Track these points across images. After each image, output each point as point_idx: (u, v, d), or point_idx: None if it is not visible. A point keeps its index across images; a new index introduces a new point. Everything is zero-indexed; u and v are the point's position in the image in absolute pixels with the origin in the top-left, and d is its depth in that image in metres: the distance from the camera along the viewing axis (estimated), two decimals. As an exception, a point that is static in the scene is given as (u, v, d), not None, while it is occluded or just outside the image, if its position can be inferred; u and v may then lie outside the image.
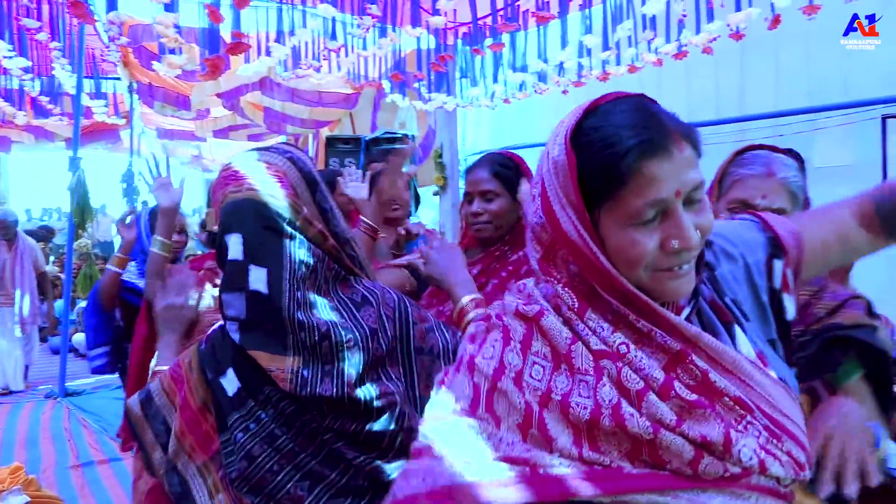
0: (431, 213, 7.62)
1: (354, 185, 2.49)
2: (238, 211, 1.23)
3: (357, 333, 1.24)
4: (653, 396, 0.79)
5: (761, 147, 1.54)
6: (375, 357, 1.25)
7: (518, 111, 6.98)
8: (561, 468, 0.80)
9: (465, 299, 1.50)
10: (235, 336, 1.22)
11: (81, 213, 6.04)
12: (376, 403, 1.22)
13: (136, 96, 7.27)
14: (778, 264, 0.98)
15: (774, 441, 0.81)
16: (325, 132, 7.53)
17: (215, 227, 1.52)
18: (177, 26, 3.26)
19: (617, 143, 0.80)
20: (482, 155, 2.02)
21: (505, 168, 1.84)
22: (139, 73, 6.68)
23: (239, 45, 3.39)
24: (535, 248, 0.91)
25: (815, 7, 3.77)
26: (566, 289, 0.87)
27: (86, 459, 4.60)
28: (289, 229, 1.22)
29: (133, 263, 3.10)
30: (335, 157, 6.03)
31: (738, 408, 0.81)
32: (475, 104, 5.96)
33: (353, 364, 1.22)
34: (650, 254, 0.82)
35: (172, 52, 3.89)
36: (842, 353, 1.32)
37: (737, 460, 0.79)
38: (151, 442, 1.29)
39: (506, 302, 0.95)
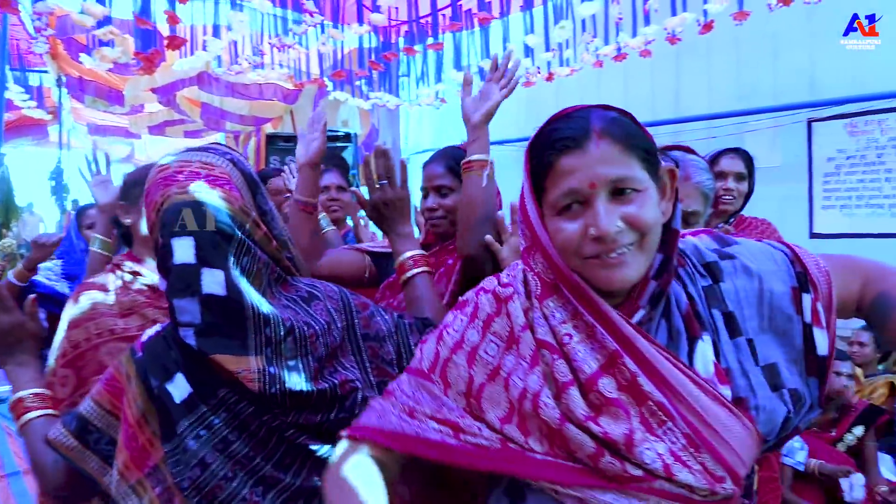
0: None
1: (292, 180, 2.47)
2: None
3: (316, 327, 1.25)
4: (574, 391, 0.89)
5: (676, 148, 1.57)
6: (332, 348, 1.26)
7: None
8: (480, 439, 0.93)
9: (406, 255, 1.54)
10: (192, 342, 1.17)
11: (6, 211, 5.77)
12: (340, 392, 1.22)
13: (64, 90, 6.97)
14: (807, 298, 0.96)
15: (691, 450, 0.86)
16: (266, 128, 7.39)
17: (128, 220, 1.46)
18: (108, 18, 3.14)
19: (544, 142, 0.93)
20: (439, 149, 2.00)
21: (460, 162, 1.84)
22: (68, 66, 6.41)
23: (176, 39, 3.29)
24: (522, 240, 1.02)
25: (745, 13, 3.91)
26: (536, 277, 0.98)
27: (11, 470, 4.38)
28: (238, 233, 1.20)
29: (57, 262, 2.98)
30: (275, 154, 5.91)
31: (660, 413, 0.87)
32: (414, 102, 5.94)
33: (315, 358, 1.23)
34: (574, 240, 0.91)
35: (105, 44, 3.74)
36: None
37: (639, 462, 0.85)
38: (98, 468, 1.24)
39: (496, 277, 1.08)
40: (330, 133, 5.84)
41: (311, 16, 3.66)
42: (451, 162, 1.85)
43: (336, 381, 1.23)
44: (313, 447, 1.21)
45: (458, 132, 1.74)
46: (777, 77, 5.05)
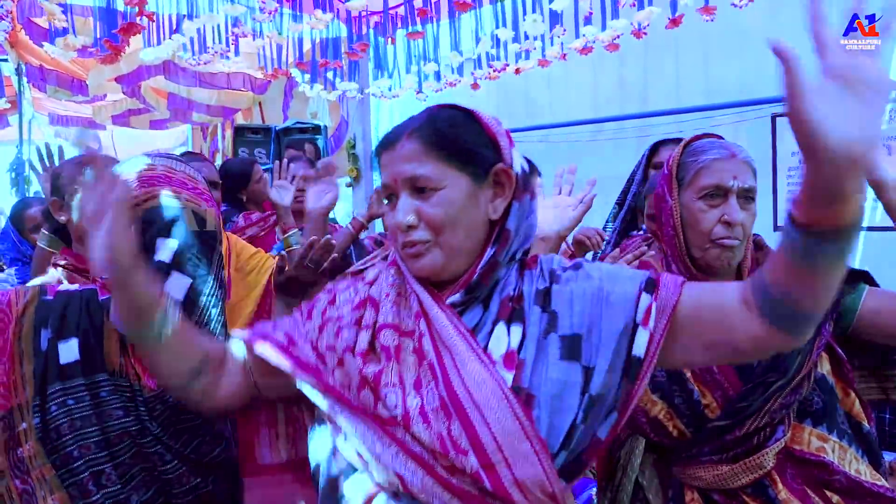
0: (344, 205, 7.53)
1: (280, 189, 2.47)
2: (180, 218, 1.26)
3: None
4: (364, 333, 1.02)
5: (707, 136, 1.54)
6: None
7: (432, 103, 6.94)
8: (304, 352, 1.06)
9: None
10: (123, 328, 1.19)
11: (-37, 203, 5.59)
12: (209, 446, 1.30)
13: (24, 79, 6.77)
14: (646, 298, 0.96)
15: (442, 413, 0.92)
16: (237, 119, 7.28)
17: (62, 218, 1.46)
18: (65, 5, 3.06)
19: None
20: None
21: None
22: (28, 54, 6.23)
23: (134, 26, 3.22)
24: None
25: (711, 9, 3.96)
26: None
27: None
28: (219, 248, 1.29)
29: (10, 272, 2.89)
30: (244, 146, 5.85)
31: (429, 372, 0.96)
32: (388, 94, 5.91)
33: None
34: (393, 229, 1.02)
35: (65, 32, 3.65)
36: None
37: (385, 403, 0.95)
38: None
39: None
40: (299, 125, 5.78)
41: (275, 1, 3.60)
42: None
43: (210, 435, 1.30)
44: (166, 457, 1.24)
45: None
46: (743, 73, 5.12)
